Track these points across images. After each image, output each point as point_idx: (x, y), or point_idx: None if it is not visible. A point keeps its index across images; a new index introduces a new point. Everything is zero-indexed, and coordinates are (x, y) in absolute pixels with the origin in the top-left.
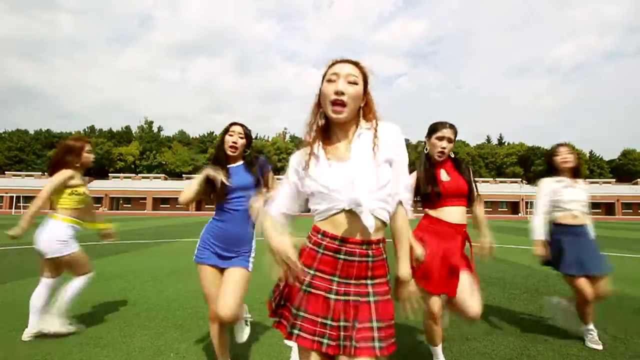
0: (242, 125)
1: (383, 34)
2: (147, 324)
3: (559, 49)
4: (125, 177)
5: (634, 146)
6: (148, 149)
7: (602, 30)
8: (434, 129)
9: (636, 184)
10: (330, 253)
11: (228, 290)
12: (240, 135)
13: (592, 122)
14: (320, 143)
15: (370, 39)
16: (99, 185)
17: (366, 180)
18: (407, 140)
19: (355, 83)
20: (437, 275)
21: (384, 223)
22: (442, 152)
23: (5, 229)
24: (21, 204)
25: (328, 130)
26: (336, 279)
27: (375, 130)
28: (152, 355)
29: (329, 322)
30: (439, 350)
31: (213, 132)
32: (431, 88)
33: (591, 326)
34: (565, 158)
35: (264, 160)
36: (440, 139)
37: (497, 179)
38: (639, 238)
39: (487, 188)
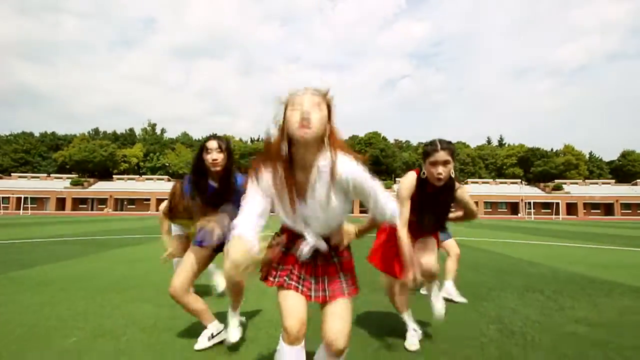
0: (218, 138)
1: (386, 35)
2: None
3: (560, 50)
4: (129, 179)
5: (633, 147)
6: (152, 151)
7: (605, 32)
8: (426, 152)
9: (635, 184)
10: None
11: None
12: (218, 151)
13: (592, 124)
14: (282, 172)
15: (374, 41)
16: (103, 187)
17: (317, 220)
18: (407, 142)
19: (318, 106)
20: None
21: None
22: (440, 179)
23: (8, 228)
24: (28, 205)
25: (290, 156)
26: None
27: (333, 169)
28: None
29: (302, 275)
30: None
31: (215, 134)
32: (434, 89)
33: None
34: None
35: (241, 182)
36: (434, 164)
37: (497, 179)
38: (613, 234)
39: (487, 189)
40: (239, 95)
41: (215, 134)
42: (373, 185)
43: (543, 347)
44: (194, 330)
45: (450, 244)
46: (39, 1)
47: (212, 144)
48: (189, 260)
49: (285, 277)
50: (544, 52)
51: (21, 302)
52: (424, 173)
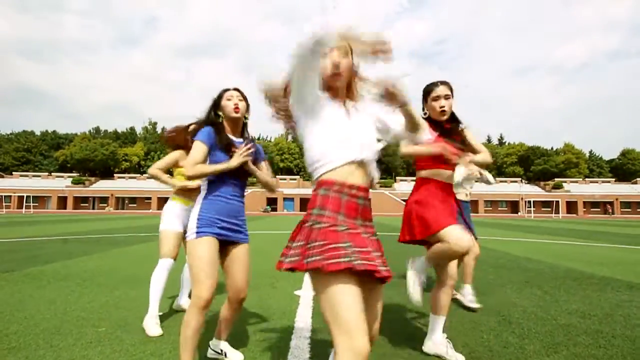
0: (237, 89)
1: (388, 34)
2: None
3: (562, 49)
4: (130, 177)
5: (633, 146)
6: (152, 150)
7: (606, 31)
8: (427, 90)
9: (635, 183)
10: (353, 200)
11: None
12: (240, 98)
13: (592, 122)
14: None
15: None
16: (105, 185)
17: (368, 136)
18: None
19: (346, 55)
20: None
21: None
22: (444, 112)
23: (15, 227)
24: (30, 204)
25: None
26: (359, 222)
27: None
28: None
29: (369, 247)
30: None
31: None
32: None
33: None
34: None
35: (260, 147)
36: (437, 99)
37: (497, 178)
38: (611, 232)
39: (487, 187)
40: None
41: (237, 90)
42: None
43: (538, 336)
44: (211, 321)
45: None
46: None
47: (234, 92)
48: (207, 256)
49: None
50: (545, 51)
51: (44, 297)
52: (425, 113)
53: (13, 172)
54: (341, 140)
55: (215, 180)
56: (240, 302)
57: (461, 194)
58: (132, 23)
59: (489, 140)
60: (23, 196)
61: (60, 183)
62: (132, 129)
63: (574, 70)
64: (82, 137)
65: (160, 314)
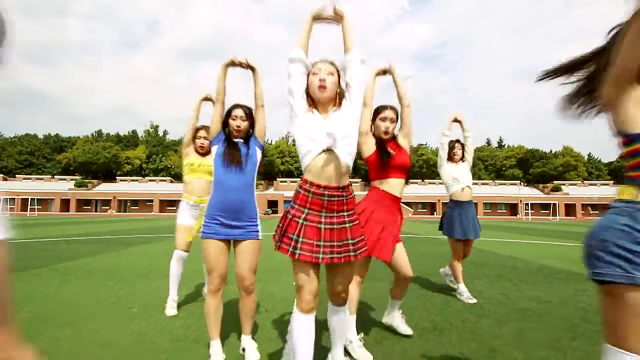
0: (242, 107)
1: (390, 37)
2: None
3: (563, 51)
4: (132, 180)
5: None
6: (154, 153)
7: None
8: (377, 111)
9: None
10: (317, 197)
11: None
12: (243, 119)
13: (591, 125)
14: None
15: (377, 42)
16: (107, 188)
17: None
18: None
19: (332, 74)
20: (378, 240)
21: (348, 168)
22: (387, 132)
23: (27, 229)
24: (35, 207)
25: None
26: (323, 213)
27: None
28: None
29: (321, 243)
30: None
31: (239, 104)
32: (437, 91)
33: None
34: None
35: (258, 142)
36: (384, 119)
37: (496, 181)
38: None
39: (487, 190)
40: (242, 96)
41: (239, 103)
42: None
43: (494, 315)
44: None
45: (470, 246)
46: (44, 3)
47: (238, 112)
48: (212, 255)
49: (306, 253)
50: (545, 54)
51: (75, 287)
52: (372, 129)
53: (16, 175)
54: (314, 134)
55: (219, 180)
56: (246, 289)
57: (464, 194)
58: (134, 27)
59: (488, 143)
60: (26, 199)
61: (63, 186)
62: (134, 132)
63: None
64: (85, 140)
65: (183, 298)
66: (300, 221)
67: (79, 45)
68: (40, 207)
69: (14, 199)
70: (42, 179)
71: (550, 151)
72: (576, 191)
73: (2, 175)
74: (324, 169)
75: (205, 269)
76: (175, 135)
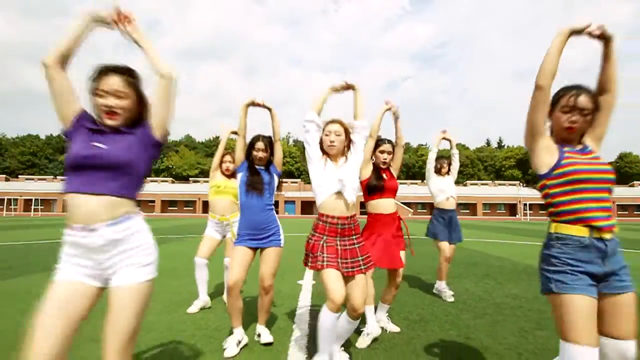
0: (263, 140)
1: (390, 37)
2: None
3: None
4: None
5: (630, 149)
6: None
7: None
8: (377, 144)
9: (632, 186)
10: (333, 226)
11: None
12: (263, 150)
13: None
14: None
15: (377, 43)
16: None
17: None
18: (407, 144)
19: (339, 135)
20: (383, 253)
21: (353, 204)
22: (384, 162)
23: (20, 230)
24: (38, 207)
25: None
26: (338, 238)
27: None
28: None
29: (339, 260)
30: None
31: (218, 137)
32: (437, 91)
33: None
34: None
35: (277, 170)
36: (382, 152)
37: (495, 181)
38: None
39: (486, 190)
40: (243, 97)
41: (261, 135)
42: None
43: (474, 310)
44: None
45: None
46: (45, 4)
47: (260, 145)
48: (238, 257)
49: (332, 263)
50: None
51: None
52: (373, 158)
53: (19, 176)
54: (328, 179)
55: (245, 205)
56: (265, 289)
57: (448, 203)
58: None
59: (488, 144)
60: (29, 199)
61: None
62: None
63: (573, 74)
64: None
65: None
66: (322, 242)
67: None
68: (42, 207)
69: (17, 199)
70: (44, 179)
71: None
72: None
73: (4, 175)
74: (336, 206)
75: (229, 267)
76: (176, 135)
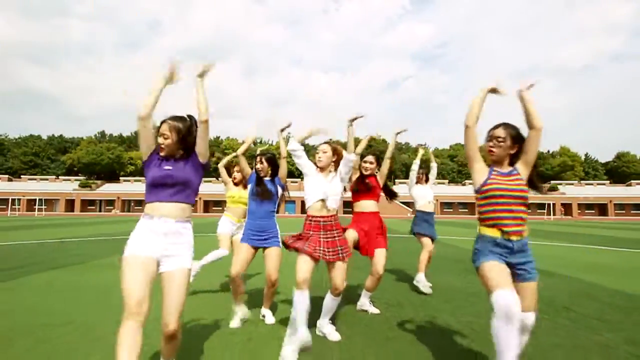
0: (264, 154)
1: (391, 36)
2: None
3: (563, 51)
4: (135, 181)
5: (628, 149)
6: None
7: (607, 34)
8: (362, 157)
9: (630, 185)
10: (315, 223)
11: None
12: (261, 162)
13: (589, 125)
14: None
15: (378, 42)
16: (111, 189)
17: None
18: (407, 144)
19: (326, 152)
20: (366, 244)
21: (334, 209)
22: (366, 170)
23: (14, 231)
24: (43, 207)
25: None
26: (321, 232)
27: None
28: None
29: (320, 248)
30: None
31: (219, 137)
32: (437, 91)
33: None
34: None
35: (281, 182)
36: (365, 162)
37: None
38: (583, 233)
39: None
40: (243, 97)
41: (262, 151)
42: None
43: (453, 300)
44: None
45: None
46: (45, 4)
47: (258, 159)
48: (241, 253)
49: (309, 249)
50: (547, 54)
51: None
52: (360, 166)
53: (21, 176)
54: (314, 187)
55: (252, 210)
56: (272, 281)
57: (428, 206)
58: (135, 27)
59: None
60: (32, 199)
61: (68, 186)
62: (136, 132)
63: (570, 75)
64: (88, 141)
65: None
66: (309, 236)
67: (80, 45)
68: (45, 207)
69: (20, 199)
70: (46, 179)
71: (548, 151)
72: (573, 191)
73: (7, 176)
74: (320, 209)
75: (233, 261)
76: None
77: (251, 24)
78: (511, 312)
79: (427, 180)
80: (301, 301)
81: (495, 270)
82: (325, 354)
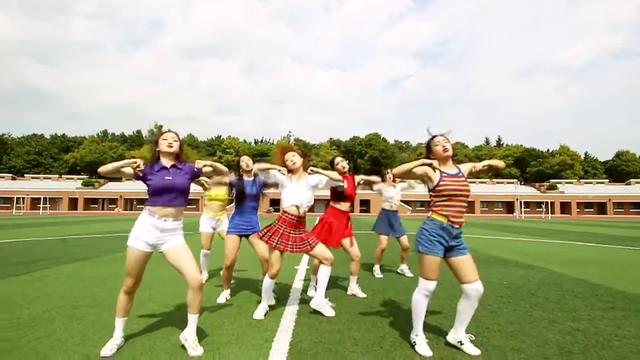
0: (247, 159)
1: (392, 34)
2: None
3: (565, 49)
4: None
5: (627, 148)
6: None
7: (609, 32)
8: (332, 161)
9: (629, 184)
10: (288, 220)
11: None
12: (248, 166)
13: (589, 124)
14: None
15: (380, 40)
16: (113, 187)
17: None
18: (407, 142)
19: (294, 156)
20: (336, 236)
21: (305, 212)
22: (344, 167)
23: (27, 228)
24: (47, 206)
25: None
26: (292, 229)
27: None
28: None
29: (289, 242)
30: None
31: (220, 136)
32: (439, 89)
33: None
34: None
35: (260, 178)
36: (337, 164)
37: (493, 179)
38: (576, 231)
39: (484, 188)
40: (245, 95)
41: (247, 155)
42: (323, 178)
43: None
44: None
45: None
46: (48, 3)
47: (244, 157)
48: (230, 244)
49: (281, 246)
50: (549, 52)
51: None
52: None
53: (25, 175)
54: (290, 195)
55: (237, 207)
56: (266, 259)
57: (389, 206)
58: (138, 25)
59: (487, 142)
60: (36, 198)
61: (71, 185)
62: (138, 131)
63: (570, 74)
64: (91, 140)
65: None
66: (281, 231)
67: (83, 44)
68: (48, 205)
69: (24, 198)
70: (49, 178)
71: (548, 150)
72: (572, 189)
73: (11, 174)
74: (295, 210)
75: (225, 252)
76: (179, 134)
77: (253, 21)
78: (430, 292)
79: (394, 181)
80: (270, 286)
81: (433, 264)
82: (319, 326)
